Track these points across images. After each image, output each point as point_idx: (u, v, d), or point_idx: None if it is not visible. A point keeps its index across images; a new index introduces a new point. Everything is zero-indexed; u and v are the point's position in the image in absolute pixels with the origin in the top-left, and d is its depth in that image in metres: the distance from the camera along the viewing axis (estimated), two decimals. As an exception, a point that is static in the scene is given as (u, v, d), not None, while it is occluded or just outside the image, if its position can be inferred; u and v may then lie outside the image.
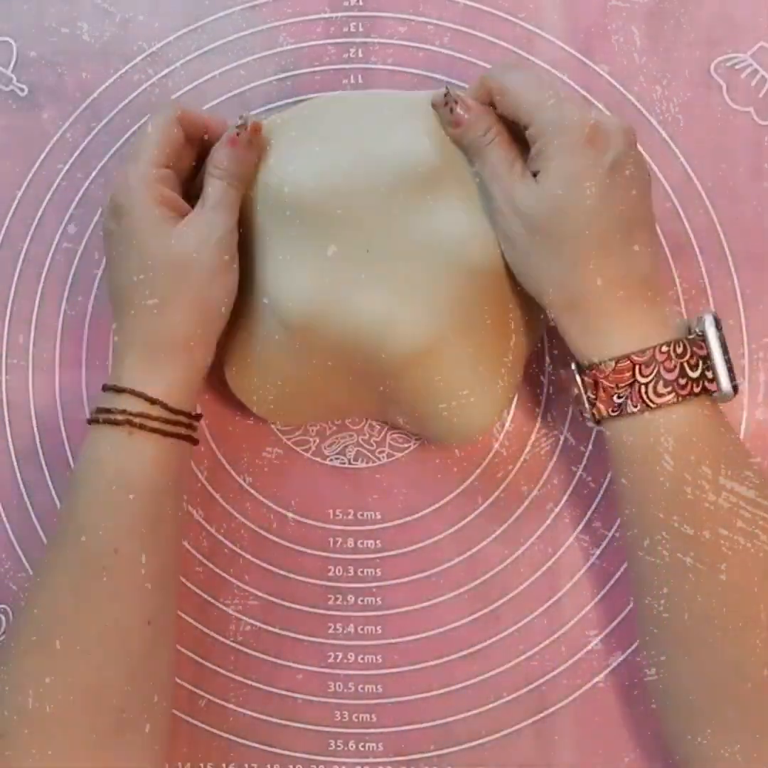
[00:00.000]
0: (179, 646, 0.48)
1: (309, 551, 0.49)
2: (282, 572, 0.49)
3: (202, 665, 0.48)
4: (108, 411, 0.41)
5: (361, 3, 0.49)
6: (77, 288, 0.49)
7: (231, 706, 0.48)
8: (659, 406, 0.40)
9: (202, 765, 0.48)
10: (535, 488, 0.48)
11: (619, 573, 0.47)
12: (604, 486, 0.48)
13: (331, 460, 0.49)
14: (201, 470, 0.49)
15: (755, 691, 0.39)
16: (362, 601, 0.48)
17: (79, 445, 0.42)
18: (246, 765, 0.48)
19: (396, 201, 0.42)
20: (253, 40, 0.49)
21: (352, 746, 0.48)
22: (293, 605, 0.48)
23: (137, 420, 0.41)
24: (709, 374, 0.41)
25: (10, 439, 0.49)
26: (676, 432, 0.40)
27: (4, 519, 0.49)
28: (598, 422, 0.42)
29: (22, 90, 0.49)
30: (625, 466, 0.41)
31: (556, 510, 0.48)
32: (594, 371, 0.41)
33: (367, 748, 0.48)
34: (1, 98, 0.49)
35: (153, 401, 0.41)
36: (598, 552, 0.48)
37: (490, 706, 0.48)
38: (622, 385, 0.40)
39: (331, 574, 0.49)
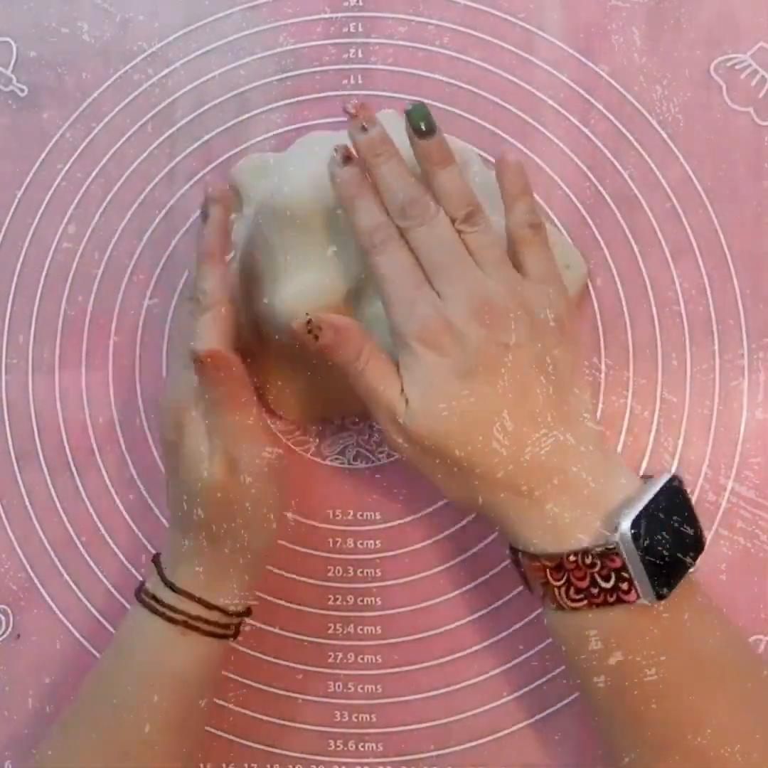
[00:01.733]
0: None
1: (309, 551, 0.49)
2: (282, 572, 0.49)
3: (202, 665, 0.48)
4: (167, 607, 0.41)
5: (361, 3, 0.49)
6: (77, 288, 0.49)
7: (231, 706, 0.48)
8: (575, 610, 0.39)
9: (202, 765, 0.48)
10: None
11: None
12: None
13: (331, 460, 0.49)
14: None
15: (755, 690, 0.39)
16: (362, 601, 0.48)
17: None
18: (246, 765, 0.48)
19: None
20: (253, 40, 0.49)
21: (352, 746, 0.48)
22: (293, 605, 0.48)
23: (194, 623, 0.41)
24: (624, 586, 0.38)
25: (10, 439, 0.49)
26: (599, 632, 0.39)
27: (4, 519, 0.49)
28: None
29: (22, 90, 0.49)
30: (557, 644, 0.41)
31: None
32: (517, 556, 0.41)
33: (367, 748, 0.48)
34: (1, 98, 0.49)
35: (212, 607, 0.41)
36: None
37: (490, 706, 0.48)
38: (539, 582, 0.39)
39: (331, 574, 0.49)
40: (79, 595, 0.49)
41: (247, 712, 0.48)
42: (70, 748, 0.41)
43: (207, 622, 0.41)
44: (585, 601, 0.38)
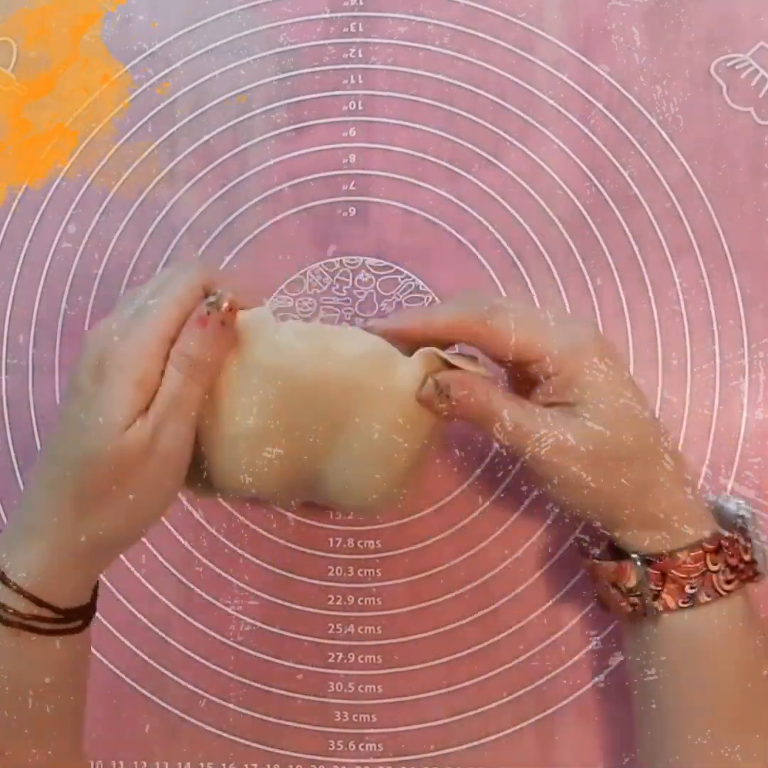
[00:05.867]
0: (179, 646, 0.48)
1: (309, 551, 0.49)
2: (282, 572, 0.49)
3: (202, 665, 0.48)
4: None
5: (361, 3, 0.49)
6: (77, 288, 0.49)
7: (231, 706, 0.48)
8: (728, 594, 0.39)
9: (202, 765, 0.48)
10: (535, 488, 0.48)
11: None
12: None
13: (331, 460, 0.49)
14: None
15: (756, 689, 0.39)
16: (362, 601, 0.48)
17: None
18: (246, 765, 0.48)
19: None
20: (253, 40, 0.49)
21: (352, 746, 0.48)
22: (293, 605, 0.48)
23: (29, 622, 0.36)
24: (747, 557, 0.40)
25: (10, 439, 0.49)
26: (740, 619, 0.39)
27: (4, 519, 0.49)
28: (644, 614, 0.40)
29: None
30: (680, 659, 0.39)
31: (556, 510, 0.48)
32: (664, 562, 0.39)
33: (367, 748, 0.48)
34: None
35: (42, 605, 0.36)
36: (598, 552, 0.48)
37: (490, 706, 0.48)
38: (695, 575, 0.39)
39: (331, 574, 0.49)
40: (79, 595, 0.49)
41: (247, 712, 0.48)
42: None
43: (43, 620, 0.36)
44: (736, 582, 0.39)
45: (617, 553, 0.42)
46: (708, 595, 0.39)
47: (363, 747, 0.48)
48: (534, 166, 0.48)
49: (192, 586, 0.49)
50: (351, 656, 0.48)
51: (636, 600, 0.40)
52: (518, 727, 0.48)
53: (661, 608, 0.39)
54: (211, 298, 0.37)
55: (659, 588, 0.39)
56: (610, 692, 0.47)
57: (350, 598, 0.48)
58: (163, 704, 0.48)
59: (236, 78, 0.49)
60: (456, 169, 0.49)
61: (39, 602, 0.36)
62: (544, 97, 0.49)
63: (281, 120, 0.49)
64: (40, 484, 0.37)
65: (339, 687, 0.48)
